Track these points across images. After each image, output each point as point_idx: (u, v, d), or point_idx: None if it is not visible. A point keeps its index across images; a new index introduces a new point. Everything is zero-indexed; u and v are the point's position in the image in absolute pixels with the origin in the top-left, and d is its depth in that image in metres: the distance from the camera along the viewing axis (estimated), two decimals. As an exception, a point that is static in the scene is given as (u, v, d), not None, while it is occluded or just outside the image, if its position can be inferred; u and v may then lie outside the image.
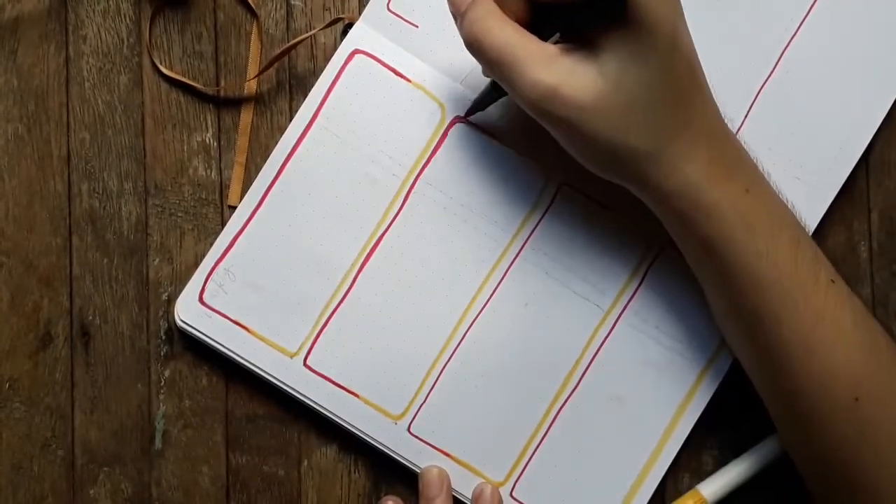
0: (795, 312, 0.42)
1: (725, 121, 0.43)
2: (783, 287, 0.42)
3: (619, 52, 0.40)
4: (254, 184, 0.48)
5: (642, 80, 0.40)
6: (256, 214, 0.47)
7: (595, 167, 0.43)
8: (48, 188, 0.48)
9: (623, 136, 0.41)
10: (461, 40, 0.42)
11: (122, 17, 0.49)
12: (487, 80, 0.45)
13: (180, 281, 0.48)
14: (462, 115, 0.48)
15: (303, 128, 0.48)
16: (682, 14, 0.41)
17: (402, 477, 0.48)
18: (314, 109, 0.48)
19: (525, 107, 0.42)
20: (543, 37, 0.41)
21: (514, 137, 0.48)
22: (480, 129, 0.48)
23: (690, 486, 0.48)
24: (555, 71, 0.40)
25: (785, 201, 0.44)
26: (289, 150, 0.48)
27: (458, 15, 0.42)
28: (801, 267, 0.42)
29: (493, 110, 0.47)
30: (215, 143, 0.49)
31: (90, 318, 0.48)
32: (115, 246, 0.48)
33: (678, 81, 0.41)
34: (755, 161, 0.44)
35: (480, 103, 0.47)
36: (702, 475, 0.48)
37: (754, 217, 0.42)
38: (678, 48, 0.40)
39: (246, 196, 0.48)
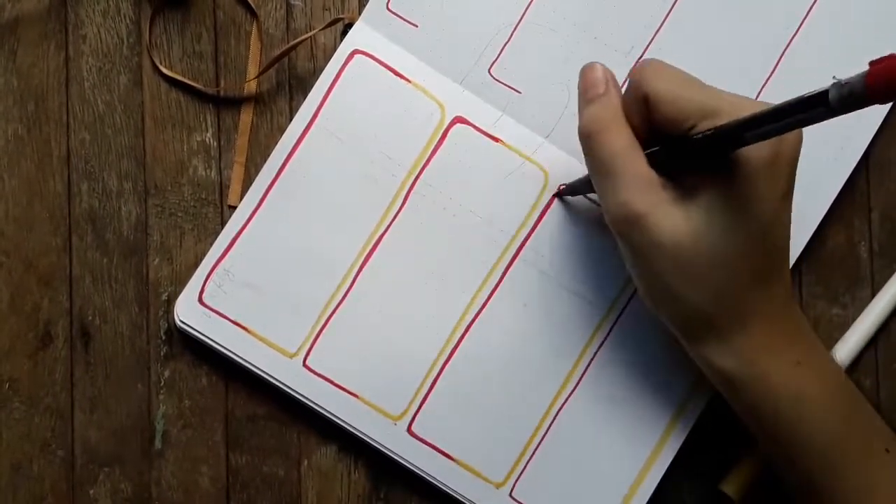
0: (845, 482, 0.41)
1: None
2: (833, 456, 0.41)
3: (714, 207, 0.38)
4: (253, 184, 0.48)
5: (727, 243, 0.39)
6: (256, 215, 0.47)
7: (648, 302, 0.43)
8: (48, 188, 0.48)
9: (687, 288, 0.40)
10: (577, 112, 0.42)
11: (122, 16, 0.49)
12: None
13: (180, 281, 0.48)
14: (556, 191, 0.48)
15: (302, 128, 0.48)
16: (791, 191, 0.40)
17: (402, 477, 0.48)
18: (314, 110, 0.48)
19: (606, 216, 0.41)
20: (652, 161, 0.40)
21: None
22: (480, 130, 0.48)
23: (690, 488, 0.48)
24: (647, 199, 0.39)
25: (839, 368, 0.43)
26: (288, 150, 0.48)
27: (585, 100, 0.42)
28: (852, 437, 0.41)
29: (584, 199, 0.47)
30: (215, 143, 0.49)
31: (90, 318, 0.48)
32: (114, 246, 0.48)
33: (763, 256, 0.39)
34: (811, 329, 0.43)
35: (579, 189, 0.46)
36: (702, 475, 0.48)
37: (803, 388, 0.41)
38: (775, 226, 0.39)
39: (245, 196, 0.48)
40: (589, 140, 0.41)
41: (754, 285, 0.40)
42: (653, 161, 0.40)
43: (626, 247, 0.41)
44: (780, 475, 0.44)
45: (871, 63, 0.29)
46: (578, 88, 0.43)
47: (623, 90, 0.42)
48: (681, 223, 0.39)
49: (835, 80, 0.31)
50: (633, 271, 0.42)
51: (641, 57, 0.48)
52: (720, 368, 0.41)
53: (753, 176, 0.38)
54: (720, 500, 0.48)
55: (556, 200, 0.48)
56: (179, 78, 0.49)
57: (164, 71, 0.48)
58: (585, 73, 0.42)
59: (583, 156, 0.42)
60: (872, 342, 0.49)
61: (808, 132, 0.49)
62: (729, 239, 0.39)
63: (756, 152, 0.38)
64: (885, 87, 0.29)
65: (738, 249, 0.39)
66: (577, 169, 0.48)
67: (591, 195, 0.47)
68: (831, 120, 0.49)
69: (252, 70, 0.49)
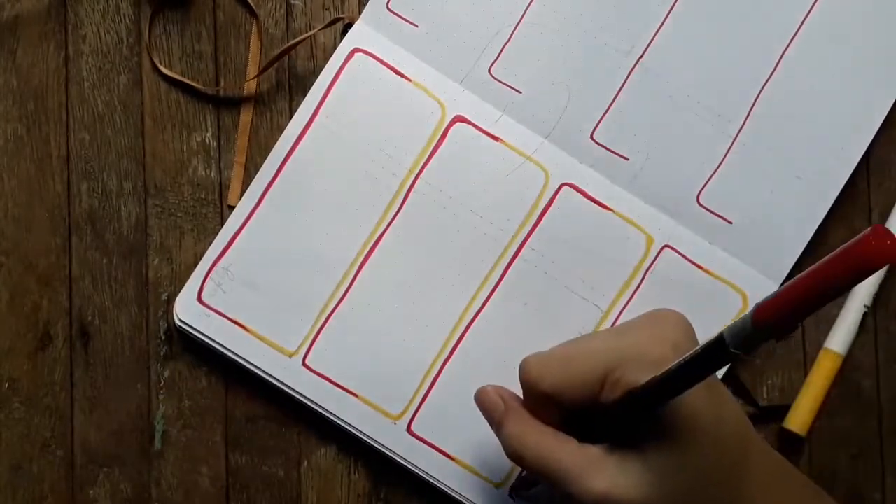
0: None
1: (729, 123, 0.42)
2: None
3: (662, 453, 0.38)
4: (253, 182, 0.48)
5: (687, 478, 0.38)
6: (255, 213, 0.47)
7: None
8: (47, 188, 0.48)
9: None
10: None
11: (122, 16, 0.49)
12: None
13: (180, 281, 0.48)
14: (509, 490, 0.47)
15: (302, 126, 0.48)
16: (727, 404, 0.40)
17: (402, 477, 0.48)
18: (314, 108, 0.48)
19: None
20: (582, 437, 0.40)
21: (600, 228, 0.48)
22: (480, 129, 0.48)
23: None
24: (601, 476, 0.39)
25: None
26: (288, 148, 0.48)
27: (496, 427, 0.43)
28: None
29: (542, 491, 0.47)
30: (215, 143, 0.49)
31: (90, 318, 0.48)
32: (114, 246, 0.48)
33: (724, 472, 0.39)
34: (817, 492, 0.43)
35: (527, 482, 0.47)
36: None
37: None
38: (720, 443, 0.39)
39: (245, 195, 0.48)
40: (521, 460, 0.41)
41: (731, 492, 0.40)
42: (582, 437, 0.40)
43: None
44: None
45: (757, 304, 0.30)
46: (483, 413, 0.44)
47: (524, 393, 0.42)
48: (640, 478, 0.39)
49: (725, 327, 0.32)
50: None
51: (642, 57, 0.48)
52: None
53: (681, 418, 0.38)
54: (788, 439, 0.48)
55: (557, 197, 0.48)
56: (179, 78, 0.49)
57: (164, 71, 0.48)
58: (479, 400, 0.44)
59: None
60: (873, 342, 0.49)
61: (809, 132, 0.49)
62: (688, 474, 0.38)
63: (694, 411, 0.38)
64: (774, 321, 0.30)
65: (699, 478, 0.39)
66: (576, 169, 0.48)
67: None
68: (831, 120, 0.49)
69: (252, 70, 0.49)
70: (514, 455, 0.41)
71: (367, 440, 0.47)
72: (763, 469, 0.41)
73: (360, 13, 0.48)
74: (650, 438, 0.39)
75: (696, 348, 0.34)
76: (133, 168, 0.49)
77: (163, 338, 0.48)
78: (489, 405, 0.43)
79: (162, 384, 0.48)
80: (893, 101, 0.49)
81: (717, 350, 0.32)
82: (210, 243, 0.48)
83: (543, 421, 0.41)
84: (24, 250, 0.48)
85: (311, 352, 0.47)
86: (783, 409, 0.48)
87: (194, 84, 0.49)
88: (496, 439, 0.47)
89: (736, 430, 0.40)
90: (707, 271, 0.48)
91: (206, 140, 0.49)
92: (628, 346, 0.40)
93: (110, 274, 0.48)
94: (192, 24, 0.49)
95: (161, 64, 0.49)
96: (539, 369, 0.41)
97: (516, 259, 0.48)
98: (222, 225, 0.48)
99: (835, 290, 0.29)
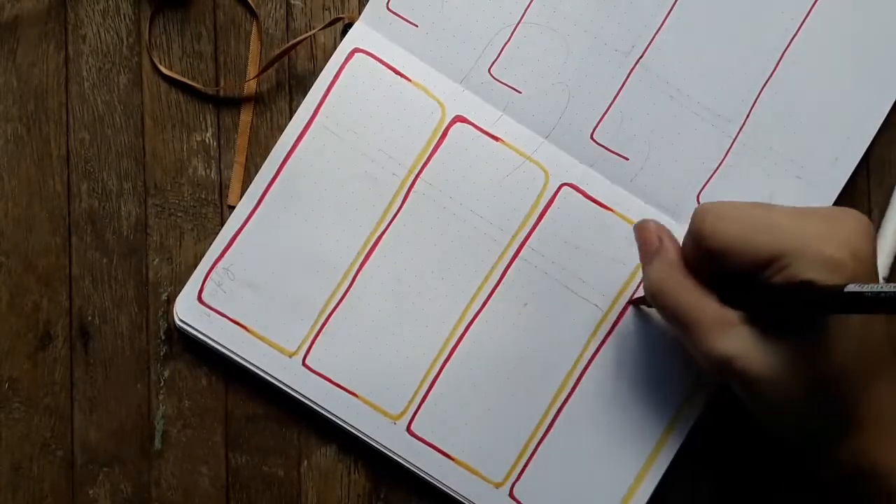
0: None
1: (729, 123, 0.42)
2: None
3: (801, 343, 0.38)
4: (253, 182, 0.48)
5: (815, 374, 0.38)
6: (255, 213, 0.47)
7: (766, 425, 0.42)
8: (47, 188, 0.48)
9: (791, 416, 0.40)
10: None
11: (122, 16, 0.49)
12: None
13: (180, 281, 0.48)
14: (635, 299, 0.48)
15: (302, 126, 0.48)
16: (881, 318, 0.39)
17: (403, 477, 0.48)
18: (314, 108, 0.48)
19: (700, 364, 0.41)
20: (724, 298, 0.40)
21: (600, 228, 0.48)
22: (480, 129, 0.48)
23: (690, 487, 0.48)
24: (732, 341, 0.39)
25: None
26: (288, 148, 0.48)
27: (646, 260, 0.43)
28: None
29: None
30: (215, 143, 0.49)
31: (90, 318, 0.48)
32: (114, 246, 0.48)
33: (854, 380, 0.39)
34: None
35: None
36: (701, 475, 0.48)
37: None
38: (861, 351, 0.38)
39: (245, 195, 0.48)
40: (657, 299, 0.42)
41: (860, 394, 0.39)
42: (725, 298, 0.40)
43: (733, 386, 0.41)
44: None
45: None
46: (638, 244, 0.44)
47: (686, 236, 0.42)
48: (770, 360, 0.39)
49: None
50: (749, 405, 0.41)
51: (642, 57, 0.48)
52: (840, 475, 0.41)
53: (840, 339, 0.38)
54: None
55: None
56: (179, 78, 0.49)
57: (164, 71, 0.48)
58: (638, 231, 0.44)
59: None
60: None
61: (809, 132, 0.49)
62: (822, 369, 0.38)
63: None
64: None
65: (832, 376, 0.38)
66: (576, 169, 0.48)
67: None
68: (831, 120, 0.49)
69: (252, 70, 0.49)
70: (653, 292, 0.42)
71: (367, 440, 0.47)
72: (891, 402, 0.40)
73: (360, 13, 0.48)
74: (792, 324, 0.38)
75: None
76: (133, 168, 0.49)
77: (163, 338, 0.48)
78: (647, 238, 0.43)
79: (162, 384, 0.48)
80: (893, 101, 0.49)
81: None
82: (210, 243, 0.48)
83: (690, 271, 0.41)
84: (24, 250, 0.48)
85: (312, 352, 0.47)
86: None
87: (194, 84, 0.49)
88: (495, 439, 0.47)
89: (879, 343, 0.39)
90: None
91: (206, 140, 0.49)
92: (809, 235, 0.38)
93: (110, 274, 0.48)
94: (192, 24, 0.49)
95: (161, 64, 0.49)
96: (715, 224, 0.40)
97: (516, 259, 0.48)
98: (222, 225, 0.48)
99: None
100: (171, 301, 0.48)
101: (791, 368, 0.38)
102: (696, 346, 0.40)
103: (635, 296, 0.48)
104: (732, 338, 0.39)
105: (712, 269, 0.41)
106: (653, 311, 0.47)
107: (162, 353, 0.48)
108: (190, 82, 0.49)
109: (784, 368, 0.38)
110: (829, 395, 0.39)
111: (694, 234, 0.41)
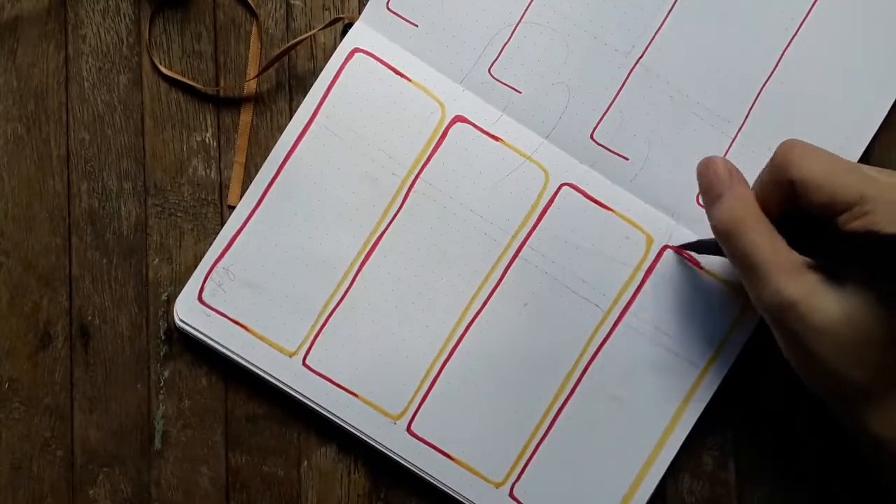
0: None
1: (728, 123, 0.42)
2: None
3: (867, 290, 0.38)
4: (253, 182, 0.48)
5: (883, 324, 0.38)
6: (255, 213, 0.47)
7: (806, 379, 0.42)
8: (47, 188, 0.48)
9: (845, 367, 0.39)
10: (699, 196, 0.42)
11: (122, 16, 0.49)
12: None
13: (180, 281, 0.48)
14: (673, 245, 0.47)
15: (302, 126, 0.48)
16: None
17: (403, 477, 0.48)
18: (314, 108, 0.48)
19: (757, 306, 0.41)
20: (791, 242, 0.40)
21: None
22: (480, 129, 0.48)
23: (690, 487, 0.48)
24: (797, 286, 0.39)
25: None
26: (288, 148, 0.48)
27: (714, 197, 0.42)
28: None
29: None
30: (215, 143, 0.49)
31: (90, 318, 0.48)
32: (114, 246, 0.48)
33: None
34: None
35: (701, 248, 0.46)
36: (701, 475, 0.48)
37: None
38: None
39: (245, 195, 0.48)
40: (728, 237, 0.41)
41: None
42: (792, 241, 0.40)
43: (781, 332, 0.41)
44: None
45: None
46: (700, 184, 0.43)
47: (763, 172, 0.42)
48: (833, 307, 0.38)
49: None
50: (788, 352, 0.41)
51: (642, 57, 0.48)
52: (881, 437, 0.40)
53: None
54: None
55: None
56: (179, 78, 0.49)
57: (164, 71, 0.48)
58: (706, 168, 0.43)
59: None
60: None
61: (809, 133, 0.49)
62: (886, 320, 0.38)
63: None
64: None
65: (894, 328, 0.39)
66: (577, 169, 0.48)
67: (716, 257, 0.46)
68: (831, 120, 0.49)
69: (252, 70, 0.49)
70: (728, 229, 0.41)
71: (367, 440, 0.47)
72: None
73: (360, 13, 0.48)
74: (856, 276, 0.38)
75: None
76: (133, 168, 0.49)
77: (163, 338, 0.48)
78: (717, 175, 0.42)
79: (162, 384, 0.48)
80: (893, 101, 0.49)
81: None
82: (210, 243, 0.48)
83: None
84: (24, 250, 0.48)
85: (312, 352, 0.47)
86: None
87: (194, 84, 0.49)
88: (496, 439, 0.47)
89: None
90: (708, 272, 0.48)
91: (206, 140, 0.49)
92: (891, 187, 0.38)
93: (110, 274, 0.48)
94: (192, 24, 0.49)
95: (161, 64, 0.49)
96: (802, 155, 0.40)
97: (516, 259, 0.48)
98: (222, 225, 0.48)
99: None
100: (171, 301, 0.48)
101: (851, 321, 0.38)
102: (761, 287, 0.40)
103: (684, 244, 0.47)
104: (800, 282, 0.39)
105: (785, 208, 0.40)
106: (704, 258, 0.47)
107: (162, 353, 0.48)
108: (190, 82, 0.49)
109: (842, 318, 0.38)
110: (884, 350, 0.39)
111: (778, 165, 0.40)
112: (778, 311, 0.40)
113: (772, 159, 0.41)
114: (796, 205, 0.40)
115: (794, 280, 0.39)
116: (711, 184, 0.42)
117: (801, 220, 0.40)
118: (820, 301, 0.39)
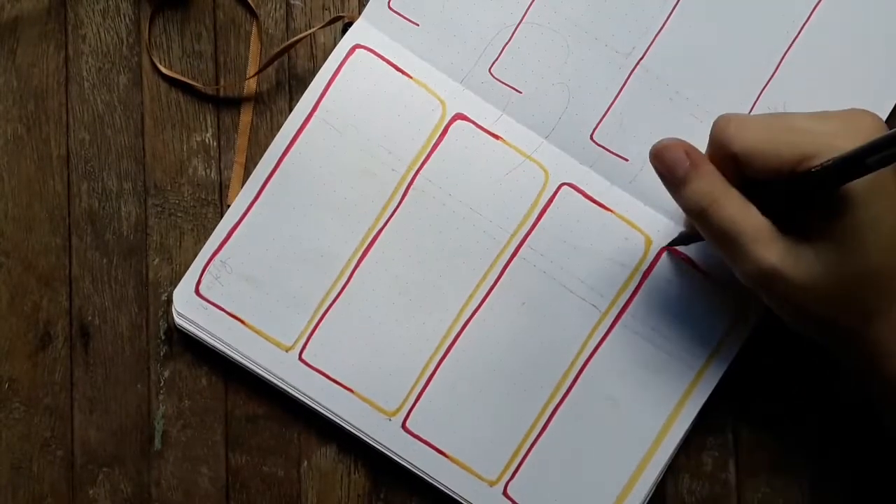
0: None
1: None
2: None
3: (836, 241, 0.39)
4: (251, 176, 0.48)
5: (858, 270, 0.39)
6: (254, 207, 0.48)
7: (805, 332, 0.43)
8: (47, 188, 0.49)
9: (836, 314, 0.40)
10: (680, 201, 0.42)
11: (122, 16, 0.49)
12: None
13: (180, 281, 0.48)
14: (665, 245, 0.48)
15: (301, 120, 0.48)
16: None
17: (402, 477, 0.48)
18: (313, 102, 0.48)
19: (741, 278, 0.41)
20: (761, 209, 0.41)
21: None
22: (481, 127, 0.48)
23: (690, 487, 0.48)
24: (775, 250, 0.40)
25: None
26: (287, 142, 0.48)
27: (678, 181, 0.42)
28: None
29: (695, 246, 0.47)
30: (215, 143, 0.49)
31: (89, 318, 0.48)
32: (114, 246, 0.49)
33: (884, 280, 0.39)
34: None
35: (687, 240, 0.47)
36: (701, 475, 0.48)
37: None
38: (885, 251, 0.39)
39: (243, 188, 0.48)
40: (702, 216, 0.41)
41: (893, 283, 0.40)
42: (761, 209, 0.41)
43: (769, 297, 0.41)
44: None
45: None
46: (659, 170, 0.43)
47: (707, 151, 0.42)
48: (811, 263, 0.39)
49: None
50: (779, 311, 0.42)
51: (642, 59, 0.48)
52: (891, 350, 0.41)
53: (869, 201, 0.38)
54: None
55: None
56: (179, 78, 0.49)
57: (164, 71, 0.49)
58: (659, 153, 0.42)
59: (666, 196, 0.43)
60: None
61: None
62: (867, 260, 0.39)
63: (870, 215, 0.38)
64: None
65: (871, 270, 0.39)
66: (576, 169, 0.48)
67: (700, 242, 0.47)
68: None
69: (252, 70, 0.49)
70: (701, 209, 0.41)
71: (361, 436, 0.47)
72: None
73: (360, 13, 0.49)
74: (818, 231, 0.39)
75: (875, 139, 0.34)
76: (133, 168, 0.49)
77: (163, 338, 0.48)
78: (673, 160, 0.42)
79: (162, 384, 0.48)
80: (894, 101, 0.48)
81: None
82: (210, 243, 0.48)
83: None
84: (24, 250, 0.48)
85: (308, 347, 0.47)
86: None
87: (194, 84, 0.49)
88: (491, 437, 0.47)
89: None
90: (707, 274, 0.48)
91: (206, 140, 0.49)
92: (829, 135, 0.39)
93: (110, 274, 0.48)
94: (192, 24, 0.49)
95: (161, 64, 0.49)
96: (738, 128, 0.40)
97: (515, 258, 0.48)
98: (222, 225, 0.48)
99: None
100: (170, 301, 0.48)
101: (833, 270, 0.39)
102: (743, 260, 0.40)
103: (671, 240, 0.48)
104: (776, 247, 0.40)
105: (738, 179, 0.41)
106: (703, 258, 0.47)
107: (162, 353, 0.48)
108: (190, 82, 0.49)
109: (821, 271, 0.39)
110: (874, 289, 0.39)
111: (717, 142, 0.41)
112: (763, 279, 0.40)
113: (710, 139, 0.41)
114: (745, 175, 0.40)
115: (771, 245, 0.40)
116: (673, 167, 0.42)
117: (751, 184, 0.41)
118: (797, 260, 0.39)
